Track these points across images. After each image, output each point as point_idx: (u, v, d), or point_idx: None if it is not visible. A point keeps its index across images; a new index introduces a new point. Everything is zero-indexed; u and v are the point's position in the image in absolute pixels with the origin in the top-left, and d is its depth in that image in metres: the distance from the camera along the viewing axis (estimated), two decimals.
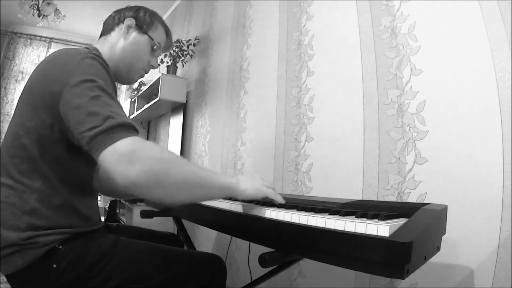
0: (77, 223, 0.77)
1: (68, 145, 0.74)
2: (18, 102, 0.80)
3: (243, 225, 0.75)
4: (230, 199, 0.92)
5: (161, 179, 0.61)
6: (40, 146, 0.73)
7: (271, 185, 0.82)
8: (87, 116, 0.62)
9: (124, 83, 1.01)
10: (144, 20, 0.95)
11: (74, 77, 0.67)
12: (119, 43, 0.93)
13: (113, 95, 0.69)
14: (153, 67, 1.01)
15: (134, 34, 0.94)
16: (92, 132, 0.61)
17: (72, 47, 0.89)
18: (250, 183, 0.76)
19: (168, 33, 1.02)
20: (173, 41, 1.07)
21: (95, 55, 0.74)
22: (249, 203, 0.84)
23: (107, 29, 0.95)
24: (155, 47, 0.97)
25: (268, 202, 0.82)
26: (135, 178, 0.58)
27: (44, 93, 0.71)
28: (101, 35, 0.96)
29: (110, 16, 0.97)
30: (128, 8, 0.97)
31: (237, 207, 0.80)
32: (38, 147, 0.73)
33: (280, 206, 0.76)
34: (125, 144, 0.60)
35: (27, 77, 3.96)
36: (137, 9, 0.97)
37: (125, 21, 0.93)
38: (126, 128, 0.63)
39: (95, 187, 0.92)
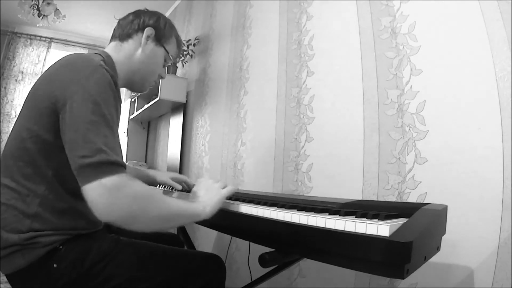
0: (79, 226, 0.77)
1: None
2: (24, 103, 0.79)
3: (243, 225, 0.75)
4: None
5: (138, 217, 0.64)
6: (44, 152, 0.72)
7: (223, 183, 0.86)
8: (82, 142, 0.63)
9: (135, 91, 1.01)
10: (164, 32, 0.94)
11: (80, 93, 0.67)
12: (136, 54, 0.91)
13: (112, 122, 0.69)
14: (162, 78, 1.01)
15: (151, 46, 0.92)
16: (82, 161, 0.62)
17: (83, 52, 0.86)
18: (209, 200, 0.78)
19: (179, 44, 1.02)
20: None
21: (106, 69, 0.72)
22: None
23: (123, 33, 0.91)
24: (168, 59, 0.98)
25: (268, 202, 0.82)
26: (115, 217, 0.62)
27: (49, 98, 0.70)
28: (115, 37, 0.92)
29: (127, 18, 0.93)
30: (148, 14, 0.94)
31: (236, 207, 0.80)
32: (42, 153, 0.72)
33: (280, 206, 0.76)
34: (109, 183, 0.61)
35: (27, 77, 3.95)
36: (158, 17, 0.94)
37: (145, 30, 0.90)
38: (114, 166, 0.63)
39: None
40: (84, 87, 0.67)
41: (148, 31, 0.91)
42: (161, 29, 0.93)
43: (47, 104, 0.70)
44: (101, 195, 0.60)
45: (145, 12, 0.94)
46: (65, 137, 0.66)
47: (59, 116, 0.68)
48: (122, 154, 0.68)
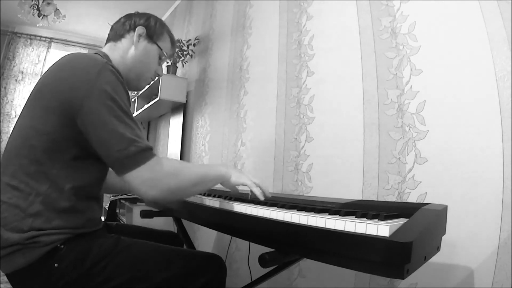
0: (80, 225, 0.77)
1: (78, 151, 0.75)
2: (27, 102, 0.79)
3: (243, 225, 0.75)
4: (226, 198, 0.93)
5: (176, 190, 0.76)
6: (50, 151, 0.73)
7: (258, 182, 0.90)
8: (113, 137, 0.69)
9: (132, 90, 1.03)
10: (155, 30, 0.97)
11: (95, 91, 0.70)
12: (129, 52, 0.94)
13: (129, 111, 0.75)
14: (159, 76, 1.04)
15: (144, 44, 0.96)
16: (119, 154, 0.69)
17: (83, 51, 0.90)
18: (237, 174, 0.88)
19: (173, 42, 1.05)
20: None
21: (112, 66, 0.76)
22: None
23: (116, 34, 0.95)
24: (163, 56, 1.00)
25: (268, 202, 0.82)
26: (157, 197, 0.73)
27: (59, 98, 0.72)
28: (109, 40, 0.96)
29: (119, 21, 0.98)
30: (138, 15, 0.98)
31: (237, 207, 0.80)
32: (48, 151, 0.72)
33: (280, 206, 0.76)
34: (147, 169, 0.71)
35: (27, 77, 3.94)
36: (148, 17, 0.98)
37: (136, 29, 0.94)
38: (147, 152, 0.72)
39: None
40: (98, 87, 0.71)
41: (140, 29, 0.94)
42: (151, 26, 0.97)
43: (56, 104, 0.72)
44: (144, 180, 0.70)
45: (136, 14, 0.99)
46: (92, 136, 0.71)
47: (77, 118, 0.71)
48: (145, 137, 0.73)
